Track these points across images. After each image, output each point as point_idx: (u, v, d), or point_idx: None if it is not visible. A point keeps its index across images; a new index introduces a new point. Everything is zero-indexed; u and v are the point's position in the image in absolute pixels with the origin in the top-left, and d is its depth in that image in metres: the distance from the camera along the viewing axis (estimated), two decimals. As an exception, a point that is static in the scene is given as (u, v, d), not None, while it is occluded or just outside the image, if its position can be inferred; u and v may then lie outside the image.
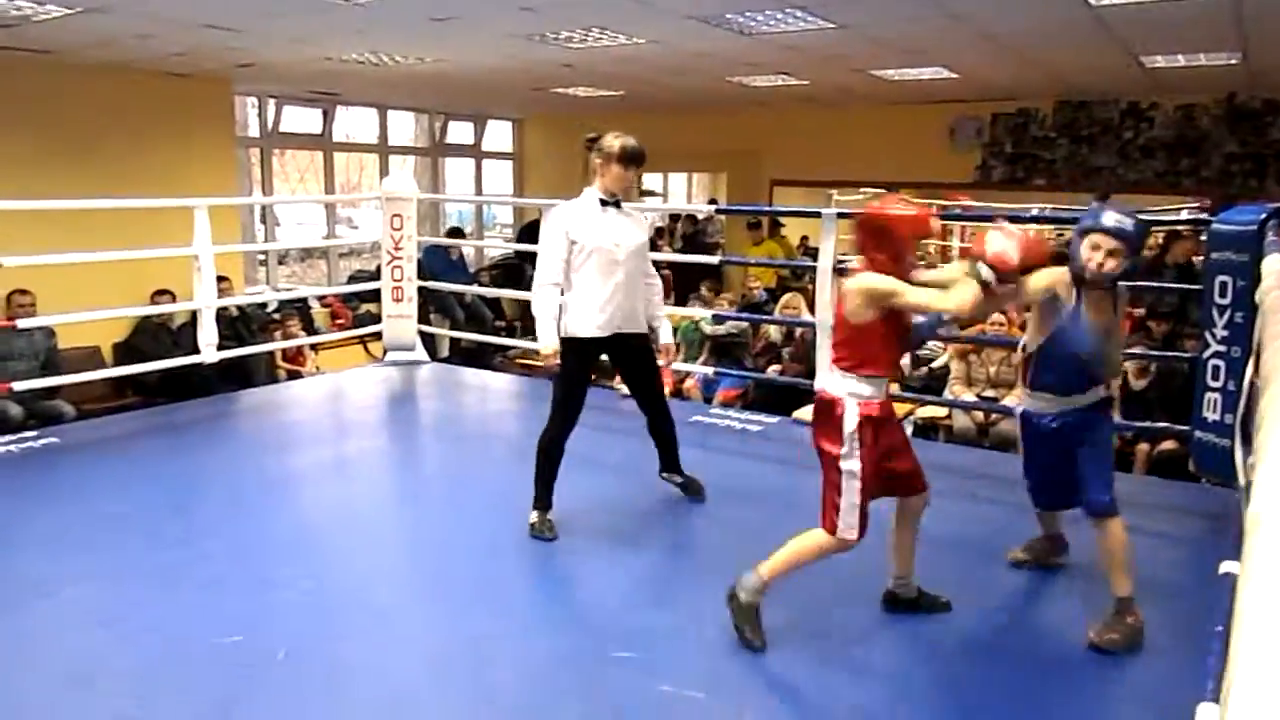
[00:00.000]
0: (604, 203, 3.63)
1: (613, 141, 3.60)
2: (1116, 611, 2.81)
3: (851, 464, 2.67)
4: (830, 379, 2.75)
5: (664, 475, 3.94)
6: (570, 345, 3.58)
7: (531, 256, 4.76)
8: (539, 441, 3.60)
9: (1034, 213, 8.71)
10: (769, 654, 2.69)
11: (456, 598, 3.10)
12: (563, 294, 3.62)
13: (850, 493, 2.68)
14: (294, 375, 7.40)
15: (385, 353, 6.62)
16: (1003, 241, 2.64)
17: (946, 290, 2.65)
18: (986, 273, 2.61)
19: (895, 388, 6.57)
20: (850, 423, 2.66)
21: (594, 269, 3.57)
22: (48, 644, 2.76)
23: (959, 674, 2.69)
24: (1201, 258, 4.73)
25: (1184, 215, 8.74)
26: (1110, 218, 2.78)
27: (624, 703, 2.48)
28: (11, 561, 3.31)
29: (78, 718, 2.41)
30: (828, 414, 2.72)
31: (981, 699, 2.57)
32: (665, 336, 3.88)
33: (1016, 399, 5.70)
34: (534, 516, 3.55)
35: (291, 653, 2.69)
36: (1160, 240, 7.70)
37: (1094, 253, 2.75)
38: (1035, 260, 2.72)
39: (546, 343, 3.53)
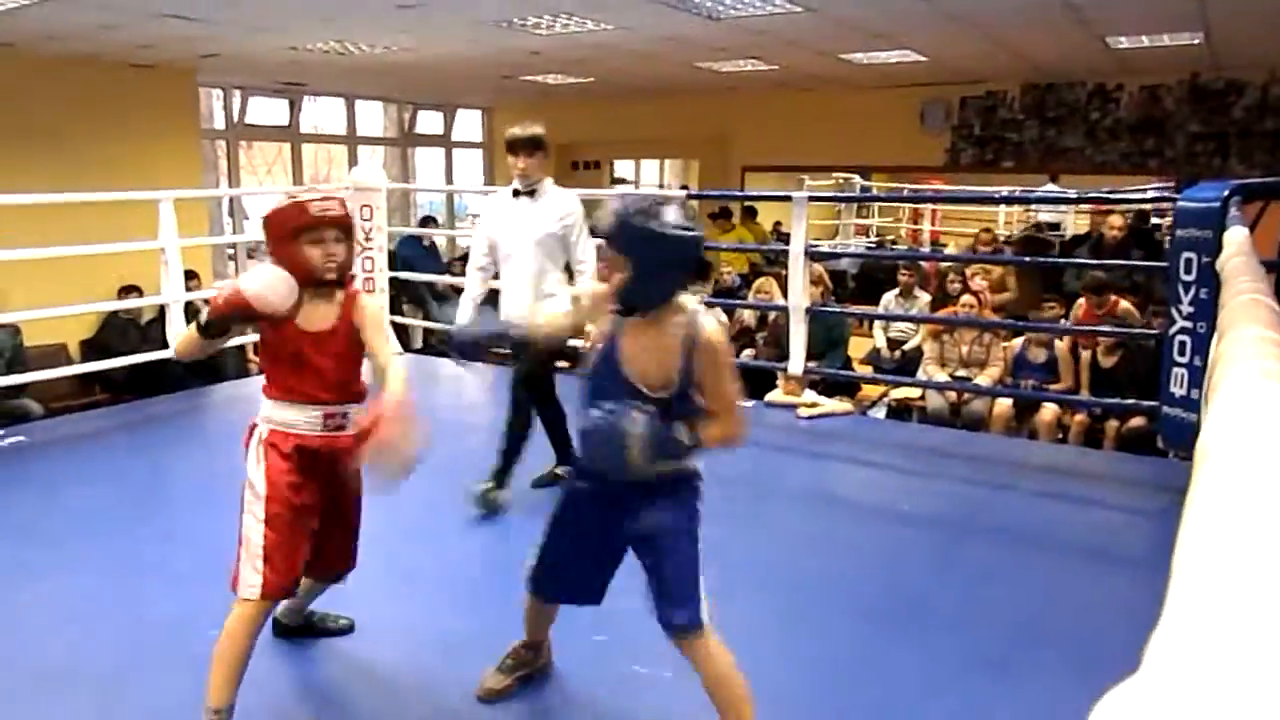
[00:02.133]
0: (516, 193, 3.68)
1: (506, 132, 3.66)
2: None
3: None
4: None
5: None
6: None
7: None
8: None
9: (1003, 194, 8.78)
10: (739, 635, 2.71)
11: (430, 586, 3.10)
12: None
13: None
14: (265, 369, 7.32)
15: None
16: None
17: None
18: (202, 318, 2.23)
19: (869, 369, 6.64)
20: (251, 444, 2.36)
21: (503, 259, 3.71)
22: (19, 641, 2.73)
23: (932, 645, 2.72)
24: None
25: (1150, 194, 8.85)
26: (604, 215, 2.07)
27: (599, 683, 2.49)
28: (-20, 561, 3.27)
29: (50, 715, 2.38)
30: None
31: (957, 668, 2.60)
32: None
33: (989, 379, 5.79)
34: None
35: (266, 647, 2.67)
36: (1127, 220, 7.78)
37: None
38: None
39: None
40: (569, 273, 3.76)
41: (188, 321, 5.46)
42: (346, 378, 2.35)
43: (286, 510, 2.28)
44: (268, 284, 2.17)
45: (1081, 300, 6.22)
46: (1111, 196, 7.23)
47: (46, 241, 5.25)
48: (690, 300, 2.04)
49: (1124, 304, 6.11)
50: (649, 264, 1.97)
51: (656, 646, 2.29)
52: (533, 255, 3.63)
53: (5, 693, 2.46)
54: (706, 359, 1.96)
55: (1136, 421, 5.19)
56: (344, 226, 2.31)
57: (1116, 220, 7.56)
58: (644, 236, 1.95)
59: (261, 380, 2.40)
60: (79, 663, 2.60)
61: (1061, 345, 5.72)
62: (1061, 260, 7.17)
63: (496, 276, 3.86)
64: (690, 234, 1.98)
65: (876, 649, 2.73)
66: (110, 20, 5.73)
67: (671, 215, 1.97)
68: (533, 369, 3.63)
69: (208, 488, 4.04)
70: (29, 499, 3.86)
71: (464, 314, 3.75)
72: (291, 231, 2.24)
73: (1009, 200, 10.00)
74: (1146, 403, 4.38)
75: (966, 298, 6.14)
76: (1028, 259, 7.77)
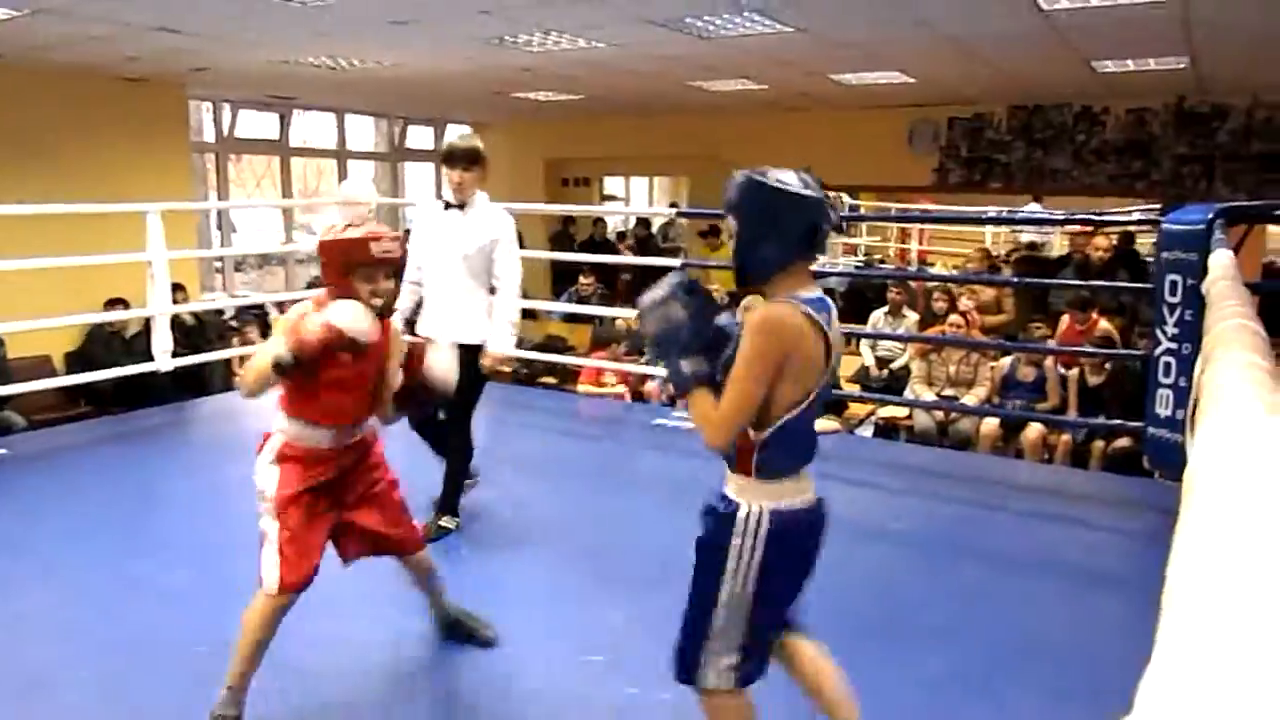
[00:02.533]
0: (446, 205, 3.62)
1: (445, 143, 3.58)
2: None
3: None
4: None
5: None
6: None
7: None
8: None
9: (990, 214, 8.83)
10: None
11: (423, 604, 3.07)
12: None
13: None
14: (252, 383, 7.28)
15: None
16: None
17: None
18: (286, 356, 2.24)
19: (857, 388, 6.66)
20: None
21: (428, 273, 3.59)
22: (5, 656, 2.70)
23: (917, 663, 2.71)
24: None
25: (1136, 215, 8.92)
26: None
27: (593, 706, 2.47)
28: (-41, 576, 3.23)
29: (30, 733, 2.35)
30: None
31: (941, 687, 2.60)
32: (493, 345, 3.51)
33: (976, 398, 5.81)
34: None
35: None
36: (1114, 241, 7.84)
37: None
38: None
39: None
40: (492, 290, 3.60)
41: (173, 334, 5.44)
42: (372, 400, 2.47)
43: (299, 510, 2.35)
44: (357, 318, 2.25)
45: (1065, 317, 6.26)
46: (1098, 218, 7.28)
47: (34, 253, 5.23)
48: (806, 292, 1.83)
49: (1104, 323, 6.16)
50: (751, 222, 1.87)
51: (653, 668, 2.28)
52: (458, 270, 3.53)
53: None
54: (740, 341, 1.80)
55: (1123, 442, 5.21)
56: (396, 265, 2.39)
57: (1102, 241, 7.61)
58: (747, 189, 1.87)
59: (277, 395, 2.46)
60: (62, 677, 2.57)
61: (1050, 365, 5.75)
62: (1048, 281, 7.20)
63: None
64: (800, 193, 1.83)
65: (861, 667, 2.71)
66: (101, 33, 5.72)
67: (788, 176, 1.86)
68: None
69: (193, 501, 4.02)
70: (11, 513, 3.82)
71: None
72: (347, 265, 2.31)
73: (997, 221, 10.06)
74: (1132, 423, 4.40)
75: (954, 317, 6.16)
76: (1016, 280, 7.81)
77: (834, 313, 1.87)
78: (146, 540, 3.57)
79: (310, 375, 2.30)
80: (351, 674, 2.65)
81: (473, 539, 3.54)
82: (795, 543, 1.92)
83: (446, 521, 3.57)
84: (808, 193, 1.83)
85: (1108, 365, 5.55)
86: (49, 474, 4.38)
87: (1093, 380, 5.58)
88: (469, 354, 3.36)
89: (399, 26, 5.56)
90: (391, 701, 2.56)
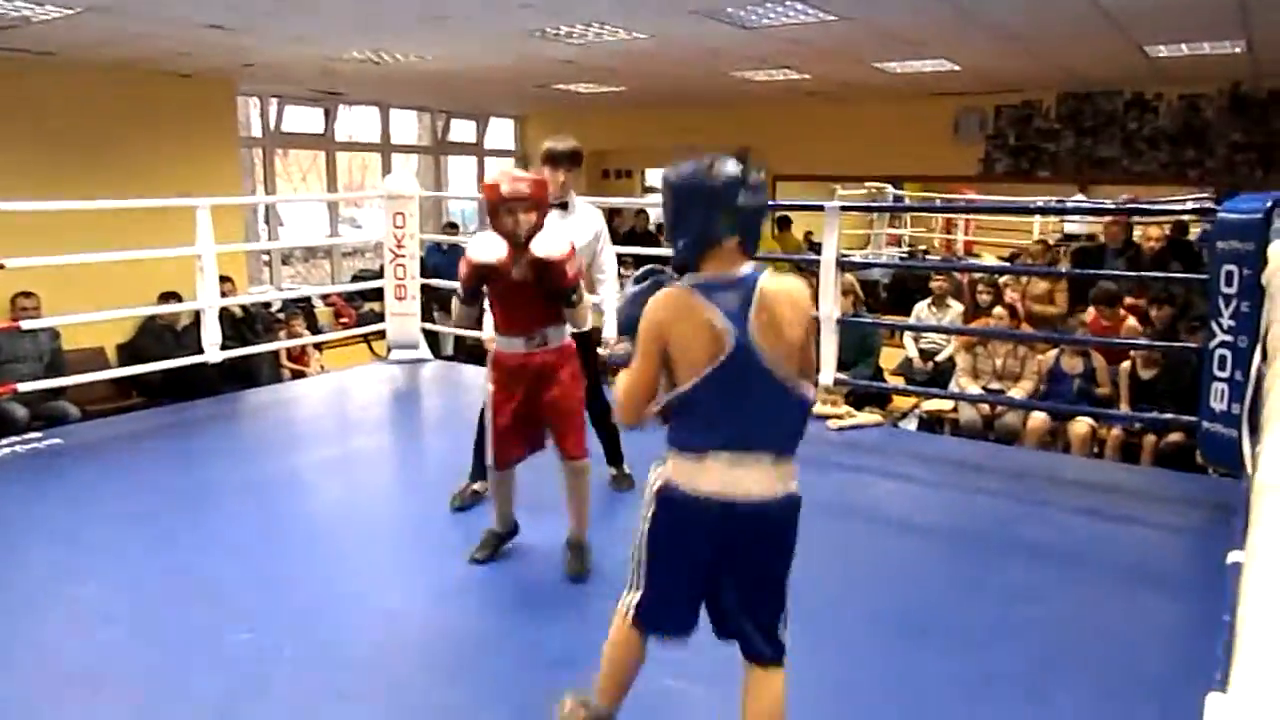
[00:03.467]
0: (553, 205, 3.60)
1: (542, 146, 3.66)
2: None
3: None
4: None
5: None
6: None
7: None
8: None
9: (1038, 204, 8.68)
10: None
11: (461, 594, 3.10)
12: None
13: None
14: (298, 375, 7.40)
15: (389, 351, 6.62)
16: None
17: None
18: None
19: (900, 380, 6.59)
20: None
21: None
22: (56, 643, 2.77)
23: (961, 663, 2.68)
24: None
25: (1189, 205, 8.71)
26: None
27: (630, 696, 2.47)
28: (19, 562, 3.32)
29: (86, 716, 2.41)
30: None
31: (986, 688, 2.56)
32: (609, 333, 3.74)
33: (1023, 391, 5.72)
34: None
35: (297, 651, 2.69)
36: (1166, 231, 7.66)
37: None
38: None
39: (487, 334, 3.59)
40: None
41: (222, 326, 5.54)
42: (540, 313, 3.04)
43: (503, 407, 3.06)
44: (480, 247, 2.92)
45: (1091, 310, 6.16)
46: (1149, 207, 7.13)
47: (87, 247, 5.34)
48: (734, 272, 1.89)
49: (1130, 322, 6.12)
50: (666, 214, 1.99)
51: (692, 660, 2.28)
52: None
53: (37, 694, 2.50)
54: None
55: (1175, 436, 5.10)
56: (532, 200, 2.92)
57: (1154, 231, 7.44)
58: (661, 186, 2.00)
59: None
60: (114, 665, 2.63)
61: (1099, 356, 5.65)
62: (1098, 272, 7.05)
63: None
64: (699, 181, 1.89)
65: (902, 665, 2.69)
66: (150, 30, 5.82)
67: (690, 166, 1.94)
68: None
69: (240, 492, 4.09)
70: (65, 502, 3.91)
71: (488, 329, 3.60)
72: (491, 205, 2.91)
73: (1045, 210, 9.87)
74: (1186, 417, 4.30)
75: (999, 309, 6.07)
76: (1059, 270, 7.67)
77: (756, 290, 1.86)
78: (193, 530, 3.64)
79: (478, 298, 3.07)
80: (392, 661, 2.68)
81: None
82: (687, 525, 1.92)
83: (626, 468, 4.03)
84: (709, 180, 1.89)
85: (1158, 358, 5.43)
86: (102, 464, 4.48)
87: (1145, 374, 5.47)
88: (582, 342, 3.52)
89: (441, 20, 5.59)
90: (427, 688, 2.58)
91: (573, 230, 3.61)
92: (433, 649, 2.79)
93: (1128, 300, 6.48)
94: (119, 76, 7.33)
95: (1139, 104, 8.55)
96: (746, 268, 1.91)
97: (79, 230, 5.73)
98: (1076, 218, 11.13)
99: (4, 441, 4.72)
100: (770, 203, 9.73)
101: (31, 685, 2.55)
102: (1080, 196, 9.92)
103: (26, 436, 4.83)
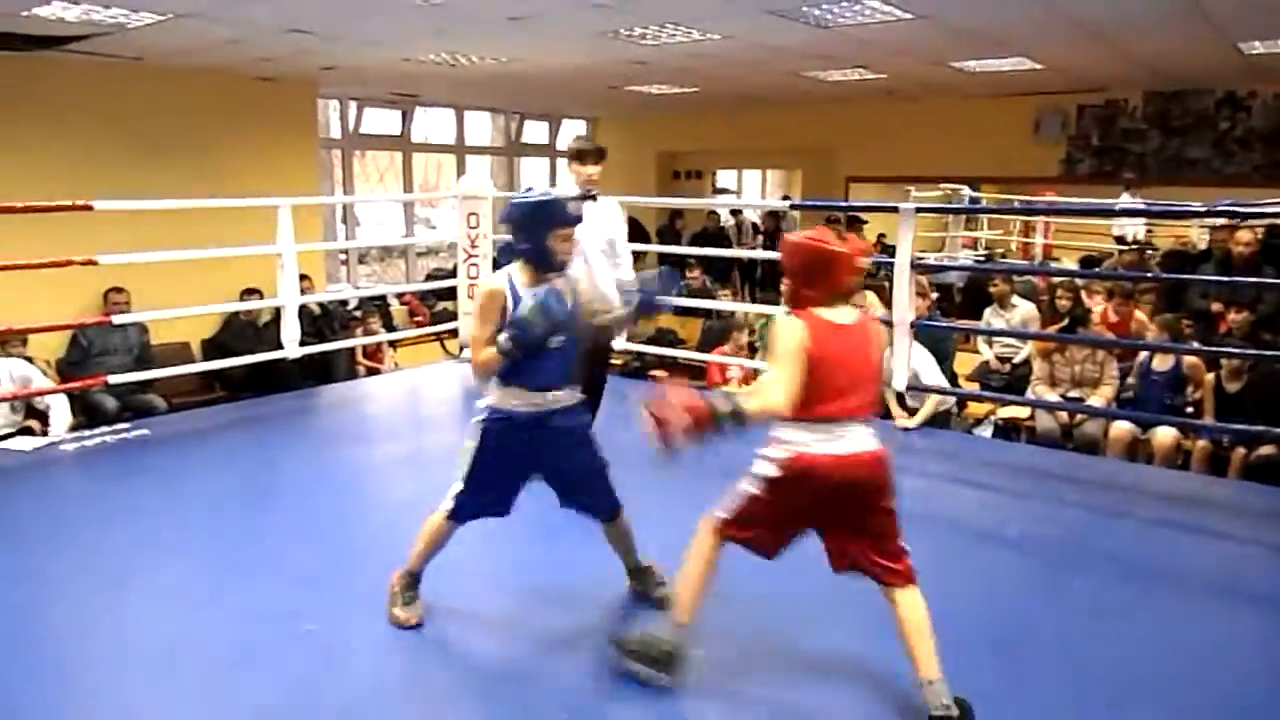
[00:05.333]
0: (583, 197, 4.00)
1: (569, 144, 4.21)
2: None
3: None
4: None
5: None
6: None
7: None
8: None
9: (1121, 207, 8.41)
10: (828, 657, 2.65)
11: (529, 588, 3.13)
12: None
13: None
14: (373, 371, 7.55)
15: (461, 349, 6.71)
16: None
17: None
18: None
19: (976, 386, 6.45)
20: None
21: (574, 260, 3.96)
22: (139, 625, 2.87)
23: (1034, 681, 2.61)
24: None
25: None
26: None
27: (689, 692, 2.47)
28: (105, 545, 3.45)
29: (163, 695, 2.50)
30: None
31: (1056, 708, 2.49)
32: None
33: (1103, 399, 5.54)
34: None
35: (365, 639, 2.74)
36: (1259, 235, 7.34)
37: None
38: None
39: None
40: None
41: (300, 323, 5.67)
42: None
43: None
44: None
45: (1098, 298, 6.16)
46: (1242, 210, 6.85)
47: (174, 244, 5.53)
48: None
49: (1139, 314, 6.13)
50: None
51: (763, 664, 2.26)
52: (599, 253, 4.08)
53: (119, 673, 2.60)
54: None
55: (1266, 450, 4.89)
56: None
57: (1246, 235, 7.15)
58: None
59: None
60: (195, 648, 2.72)
61: (1193, 362, 5.45)
62: (1187, 277, 6.80)
63: None
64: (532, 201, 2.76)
65: (972, 681, 2.63)
66: (235, 35, 6.00)
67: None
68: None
69: (315, 484, 4.19)
70: (150, 489, 4.06)
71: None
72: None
73: (1130, 213, 9.55)
74: (1277, 430, 4.13)
75: (1095, 317, 5.96)
76: (1149, 275, 7.41)
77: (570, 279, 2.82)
78: (269, 519, 3.74)
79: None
80: (461, 654, 2.71)
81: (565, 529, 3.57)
82: (509, 432, 2.74)
83: None
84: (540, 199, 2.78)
85: (1243, 368, 5.21)
86: (185, 454, 4.64)
87: (1230, 387, 5.25)
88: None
89: (517, 22, 5.65)
90: (496, 681, 2.60)
91: (601, 220, 4.09)
92: (503, 642, 2.81)
93: (1215, 307, 6.24)
94: (206, 81, 7.57)
95: (1231, 102, 8.23)
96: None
97: (166, 228, 5.93)
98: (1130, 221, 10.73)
99: (96, 431, 4.92)
100: (842, 203, 9.68)
101: (113, 663, 2.65)
102: (1127, 198, 9.54)
103: (117, 426, 5.02)
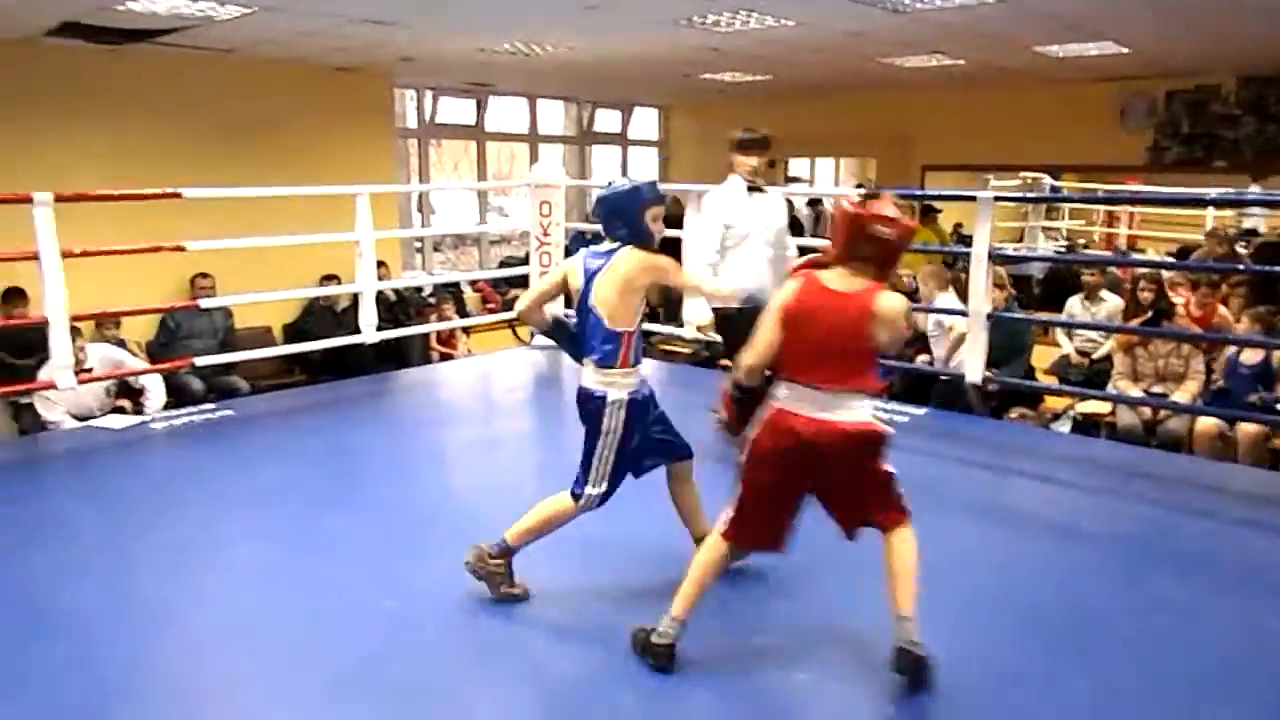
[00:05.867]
0: (750, 188, 4.07)
1: (732, 133, 4.10)
2: None
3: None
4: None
5: None
6: (718, 315, 3.95)
7: (673, 243, 4.97)
8: None
9: (1212, 195, 8.10)
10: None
11: (602, 575, 3.15)
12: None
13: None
14: (446, 357, 7.68)
15: (533, 336, 6.79)
16: None
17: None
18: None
19: (1054, 380, 6.29)
20: None
21: (742, 248, 4.06)
22: (215, 598, 2.99)
23: (1108, 675, 2.55)
24: None
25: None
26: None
27: (761, 690, 2.47)
28: (190, 521, 3.59)
29: (237, 664, 2.61)
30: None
31: (1131, 704, 2.43)
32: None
33: (1188, 394, 5.36)
34: None
35: (439, 621, 2.81)
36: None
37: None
38: None
39: (727, 290, 3.69)
40: None
41: (377, 309, 5.79)
42: None
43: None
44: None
45: (1186, 293, 6.02)
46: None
47: (256, 231, 5.70)
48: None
49: (1223, 309, 5.99)
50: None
51: (828, 654, 2.25)
52: (770, 243, 4.13)
53: (196, 646, 2.71)
54: None
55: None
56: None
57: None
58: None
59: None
60: (267, 622, 2.81)
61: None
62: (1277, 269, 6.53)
63: None
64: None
65: (1047, 670, 2.59)
66: (317, 27, 6.14)
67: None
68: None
69: (390, 466, 4.30)
70: (233, 468, 4.21)
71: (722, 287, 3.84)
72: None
73: (1219, 202, 9.18)
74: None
75: (1181, 312, 5.80)
76: (1241, 267, 7.13)
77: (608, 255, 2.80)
78: (345, 498, 3.85)
79: None
80: (530, 639, 2.76)
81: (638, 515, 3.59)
82: (639, 408, 2.80)
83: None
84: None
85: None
86: (267, 434, 4.79)
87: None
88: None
89: (591, 11, 5.67)
90: (565, 667, 2.64)
91: (770, 210, 4.15)
92: (573, 630, 2.84)
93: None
94: (287, 71, 7.76)
95: (1332, 87, 7.87)
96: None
97: (249, 215, 6.12)
98: (1261, 211, 10.33)
99: (184, 410, 5.12)
100: (917, 191, 9.52)
101: (192, 637, 2.77)
102: (1256, 188, 9.19)
103: (203, 407, 5.21)
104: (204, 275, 6.86)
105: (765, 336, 2.48)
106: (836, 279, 2.42)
